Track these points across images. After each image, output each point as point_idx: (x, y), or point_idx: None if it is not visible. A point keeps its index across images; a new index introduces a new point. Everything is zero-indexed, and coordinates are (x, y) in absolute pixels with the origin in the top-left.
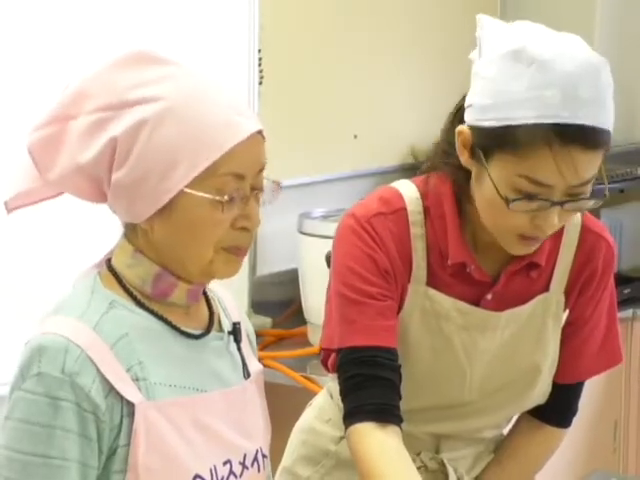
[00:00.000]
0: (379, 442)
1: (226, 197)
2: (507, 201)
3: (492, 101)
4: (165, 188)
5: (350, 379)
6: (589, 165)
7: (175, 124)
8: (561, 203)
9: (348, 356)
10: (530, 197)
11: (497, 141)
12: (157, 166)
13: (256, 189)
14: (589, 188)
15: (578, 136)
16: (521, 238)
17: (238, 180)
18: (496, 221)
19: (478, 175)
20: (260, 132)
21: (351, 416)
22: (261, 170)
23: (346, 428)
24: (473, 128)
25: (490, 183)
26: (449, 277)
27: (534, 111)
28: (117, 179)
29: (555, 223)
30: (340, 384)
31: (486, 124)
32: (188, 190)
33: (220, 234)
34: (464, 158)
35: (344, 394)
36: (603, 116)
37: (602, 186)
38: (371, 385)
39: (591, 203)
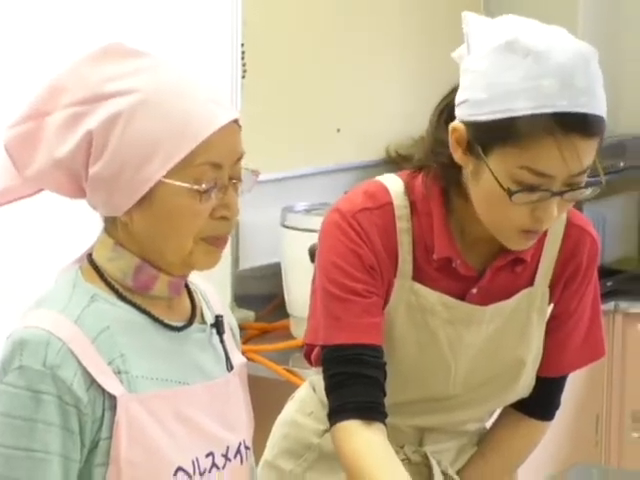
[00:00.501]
0: (365, 439)
1: (204, 186)
2: (509, 193)
3: (487, 95)
4: (142, 179)
5: (334, 377)
6: (589, 152)
7: (150, 116)
8: (561, 193)
9: (333, 353)
10: (531, 188)
11: (496, 134)
12: (134, 158)
13: (234, 178)
14: (585, 177)
15: (578, 124)
16: (520, 232)
17: (216, 169)
18: (495, 216)
19: (475, 171)
20: (236, 121)
21: (336, 414)
22: (239, 159)
23: (331, 425)
24: (468, 124)
25: (489, 177)
26: (435, 271)
27: (532, 101)
28: (94, 172)
29: (555, 214)
30: (324, 381)
31: (483, 118)
32: (166, 180)
33: (199, 224)
34: (458, 155)
35: (328, 391)
36: (597, 104)
37: (595, 179)
38: (355, 383)
39: (589, 192)
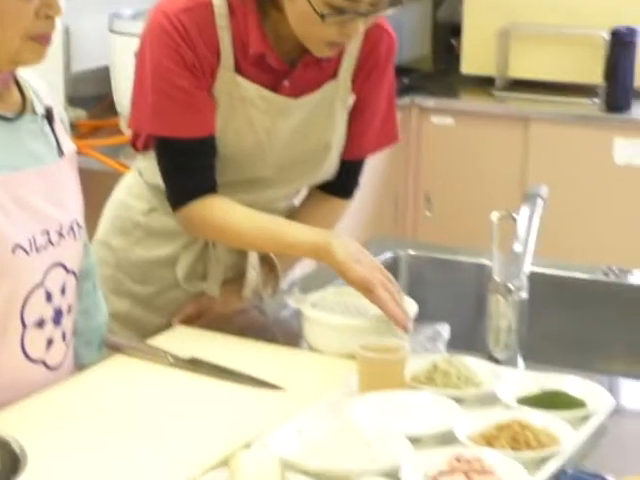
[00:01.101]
0: (220, 200)
1: None
2: (322, 17)
3: None
4: None
5: (169, 166)
6: None
7: None
8: (367, 14)
9: (166, 145)
10: (341, 11)
11: None
12: None
13: None
14: None
15: None
16: (329, 44)
17: None
18: (307, 32)
19: None
20: None
21: (181, 197)
22: None
23: (177, 207)
24: None
25: (304, 1)
26: (251, 66)
27: None
28: None
29: (361, 31)
30: (160, 168)
31: None
32: None
33: (25, 24)
34: None
35: (166, 179)
36: None
37: None
38: (191, 170)
39: (390, 11)
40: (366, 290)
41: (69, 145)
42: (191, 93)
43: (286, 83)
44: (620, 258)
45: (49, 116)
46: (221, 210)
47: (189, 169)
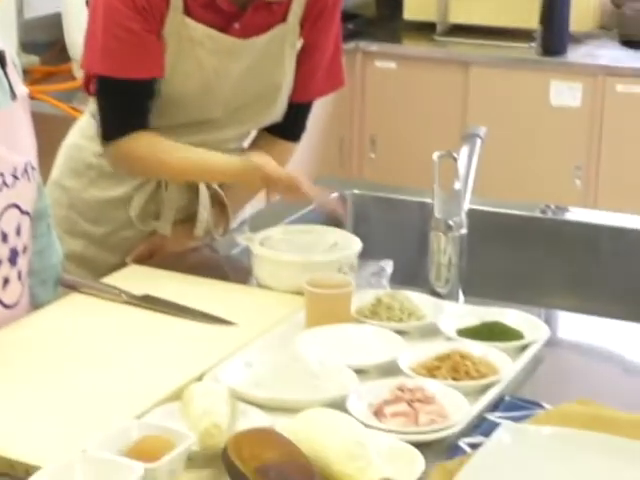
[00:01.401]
0: (147, 134)
1: None
2: None
3: None
4: None
5: (109, 107)
6: None
7: None
8: None
9: (108, 84)
10: None
11: None
12: None
13: None
14: None
15: None
16: None
17: None
18: None
19: None
20: None
21: (112, 135)
22: None
23: (106, 144)
24: None
25: None
26: (200, 8)
27: None
28: None
29: None
30: (98, 105)
31: None
32: None
33: None
34: None
35: (103, 116)
36: None
37: None
38: (130, 112)
39: None
40: (294, 187)
41: (21, 88)
42: (140, 35)
43: (236, 25)
44: (555, 196)
45: (1, 60)
46: (148, 144)
47: (129, 109)
